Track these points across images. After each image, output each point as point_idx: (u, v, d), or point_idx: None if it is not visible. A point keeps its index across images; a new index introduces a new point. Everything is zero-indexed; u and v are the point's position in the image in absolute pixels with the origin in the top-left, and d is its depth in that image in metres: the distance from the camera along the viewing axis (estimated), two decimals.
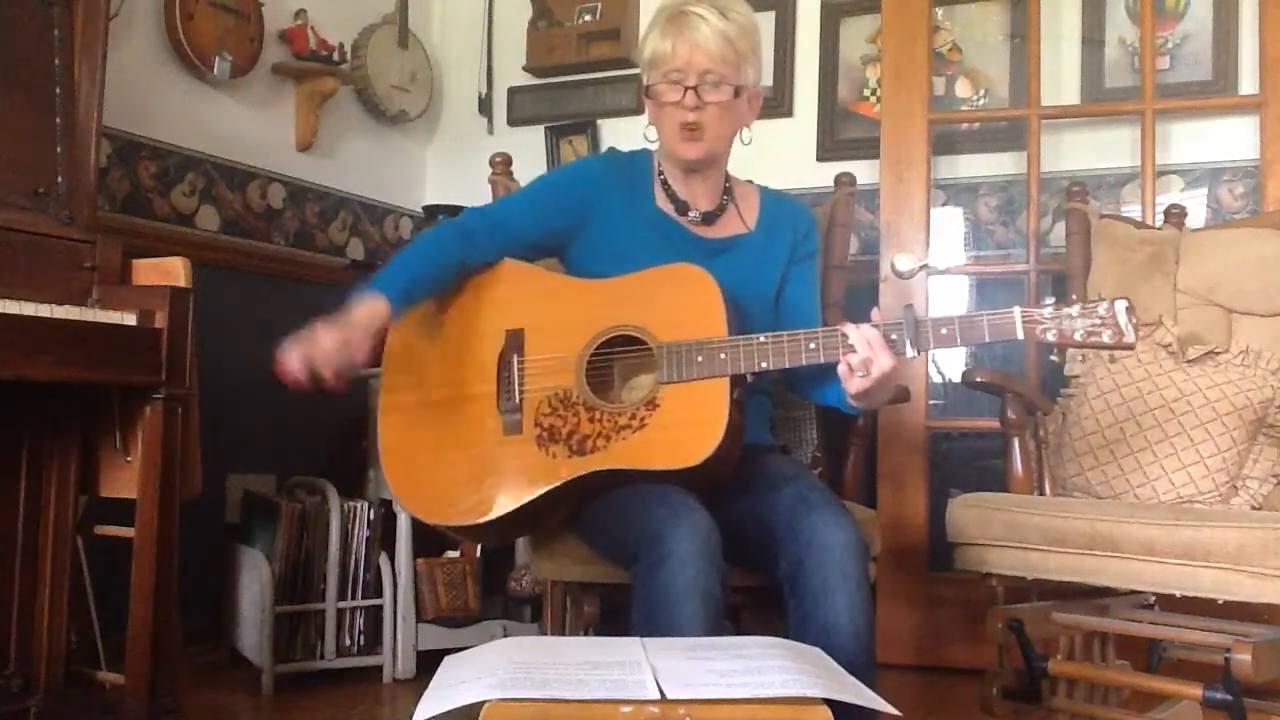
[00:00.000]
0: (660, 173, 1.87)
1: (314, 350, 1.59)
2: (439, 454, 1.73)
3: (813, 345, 1.62)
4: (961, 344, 1.61)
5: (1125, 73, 3.09)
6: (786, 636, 1.45)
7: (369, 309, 1.67)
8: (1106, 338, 1.54)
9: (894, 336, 1.58)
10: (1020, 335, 1.57)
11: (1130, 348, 1.57)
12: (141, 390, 1.94)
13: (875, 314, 1.62)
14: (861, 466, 2.12)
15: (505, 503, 1.66)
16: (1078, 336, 1.56)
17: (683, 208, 1.85)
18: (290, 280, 3.32)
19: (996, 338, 1.57)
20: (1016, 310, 1.57)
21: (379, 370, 1.83)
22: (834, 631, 1.48)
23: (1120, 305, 1.54)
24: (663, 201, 1.86)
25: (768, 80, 3.36)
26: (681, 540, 1.47)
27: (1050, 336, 1.57)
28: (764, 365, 1.62)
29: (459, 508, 1.70)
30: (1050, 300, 1.59)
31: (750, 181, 1.96)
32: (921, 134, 3.02)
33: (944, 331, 1.58)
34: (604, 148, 3.58)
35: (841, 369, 1.60)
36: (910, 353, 1.58)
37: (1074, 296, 1.59)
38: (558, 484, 1.64)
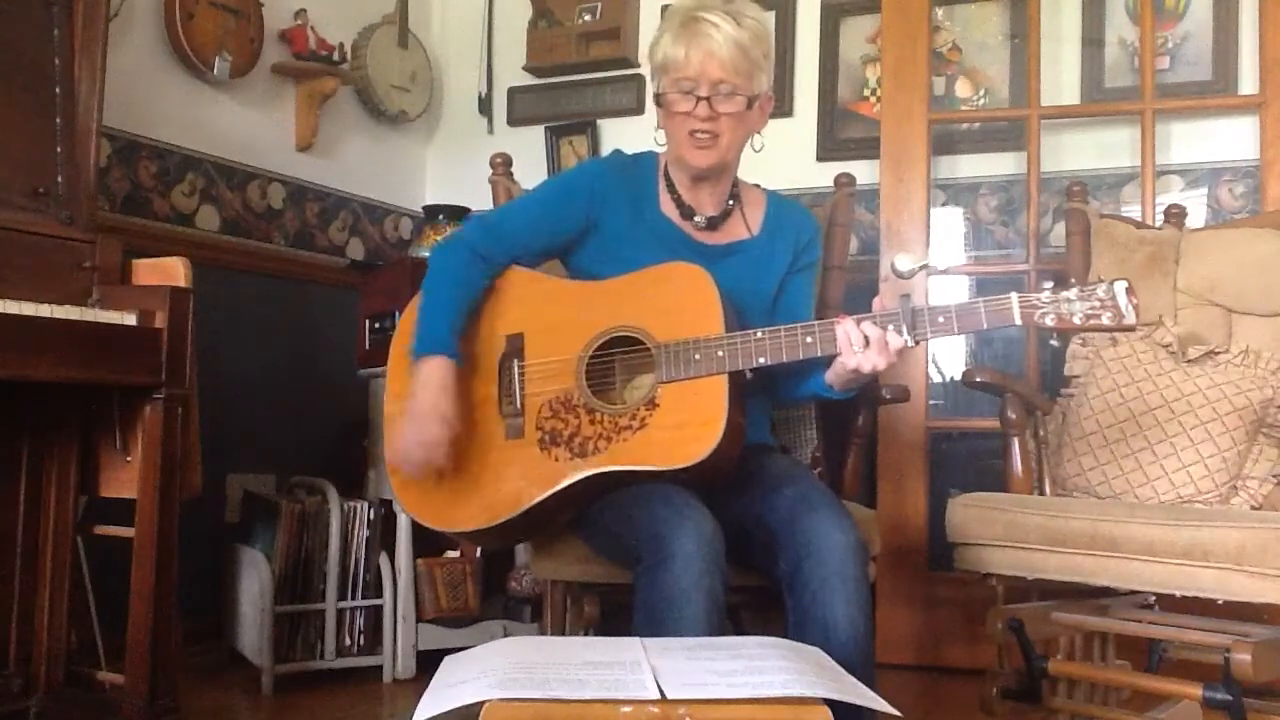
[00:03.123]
0: (666, 176, 1.85)
1: (435, 454, 1.67)
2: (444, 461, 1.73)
3: (809, 339, 1.62)
4: (959, 331, 1.59)
5: (1125, 73, 3.09)
6: (786, 636, 1.45)
7: (440, 376, 1.69)
8: (1106, 319, 1.52)
9: (891, 326, 1.58)
10: (1019, 320, 1.56)
11: (1131, 328, 1.54)
12: (141, 390, 1.93)
13: (877, 303, 1.62)
14: (861, 466, 2.11)
15: (509, 508, 1.66)
16: (1077, 320, 1.54)
17: (687, 212, 1.84)
18: (290, 280, 3.32)
19: (995, 324, 1.56)
20: (1014, 296, 1.56)
21: (383, 371, 1.84)
22: (833, 631, 1.48)
23: (1119, 286, 1.52)
24: (667, 206, 1.85)
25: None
26: (685, 541, 1.47)
27: (1049, 321, 1.55)
28: (762, 360, 1.62)
29: (464, 514, 1.70)
30: (1048, 284, 1.58)
31: (758, 186, 1.95)
32: (921, 134, 3.02)
33: (941, 320, 1.58)
34: (604, 148, 3.62)
35: (846, 362, 1.60)
36: (909, 341, 1.58)
37: (1072, 280, 1.58)
38: (560, 487, 1.64)
